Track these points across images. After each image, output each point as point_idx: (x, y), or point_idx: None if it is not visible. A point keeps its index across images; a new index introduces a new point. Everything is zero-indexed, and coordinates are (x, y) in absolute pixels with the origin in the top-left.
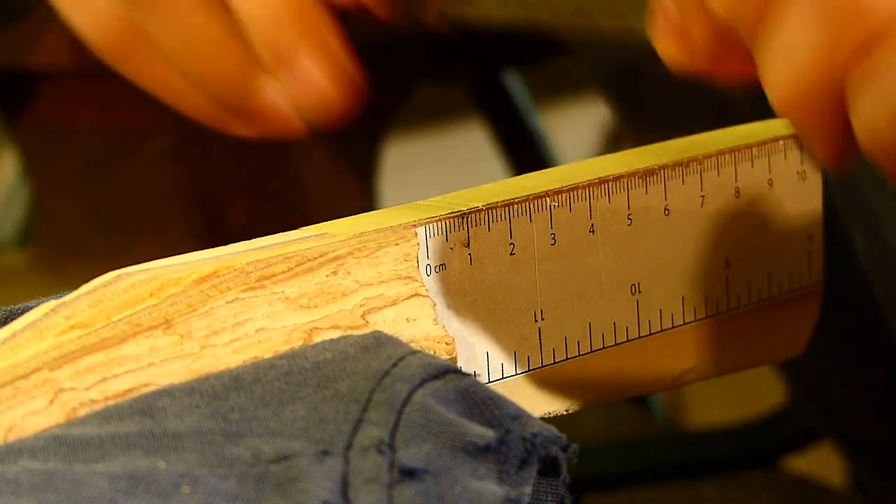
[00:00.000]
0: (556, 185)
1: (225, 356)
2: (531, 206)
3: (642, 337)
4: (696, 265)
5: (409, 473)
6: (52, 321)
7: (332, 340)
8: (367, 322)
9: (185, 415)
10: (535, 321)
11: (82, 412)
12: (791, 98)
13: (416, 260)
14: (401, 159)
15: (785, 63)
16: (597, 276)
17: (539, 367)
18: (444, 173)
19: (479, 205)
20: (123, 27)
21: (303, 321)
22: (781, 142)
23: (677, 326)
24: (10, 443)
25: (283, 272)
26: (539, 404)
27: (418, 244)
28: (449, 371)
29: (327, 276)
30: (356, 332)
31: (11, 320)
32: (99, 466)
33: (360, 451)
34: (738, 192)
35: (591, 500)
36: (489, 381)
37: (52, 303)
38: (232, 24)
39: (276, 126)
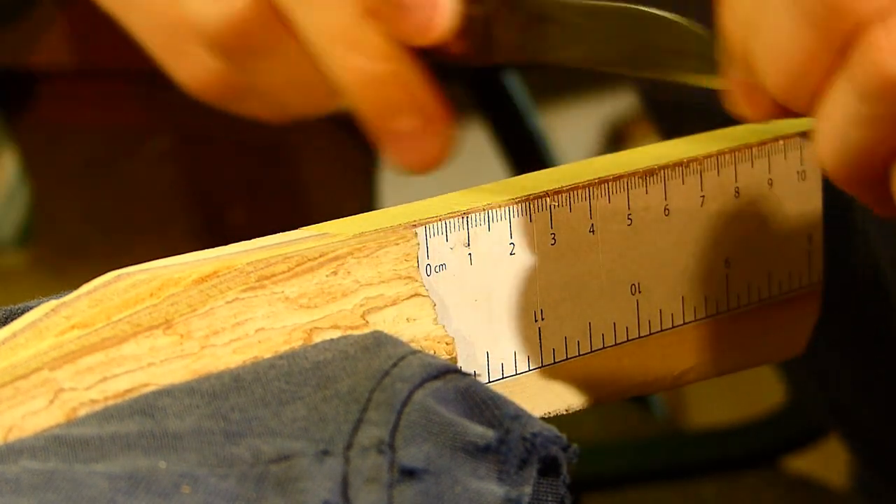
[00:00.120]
0: (556, 185)
1: (225, 356)
2: (531, 206)
3: (642, 337)
4: (696, 265)
5: (409, 473)
6: (52, 321)
7: (332, 340)
8: (367, 322)
9: (185, 415)
10: (535, 321)
11: (82, 412)
12: (838, 170)
13: (416, 260)
14: None
15: (833, 143)
16: (597, 276)
17: (539, 367)
18: (444, 173)
19: (479, 205)
20: (227, 78)
21: (303, 321)
22: (781, 142)
23: (677, 326)
24: (11, 443)
25: (283, 272)
26: (539, 404)
27: (418, 244)
28: (449, 371)
29: (327, 276)
30: (356, 332)
31: (11, 320)
32: (99, 466)
33: (361, 451)
34: (738, 192)
35: (591, 500)
36: (489, 381)
37: (52, 303)
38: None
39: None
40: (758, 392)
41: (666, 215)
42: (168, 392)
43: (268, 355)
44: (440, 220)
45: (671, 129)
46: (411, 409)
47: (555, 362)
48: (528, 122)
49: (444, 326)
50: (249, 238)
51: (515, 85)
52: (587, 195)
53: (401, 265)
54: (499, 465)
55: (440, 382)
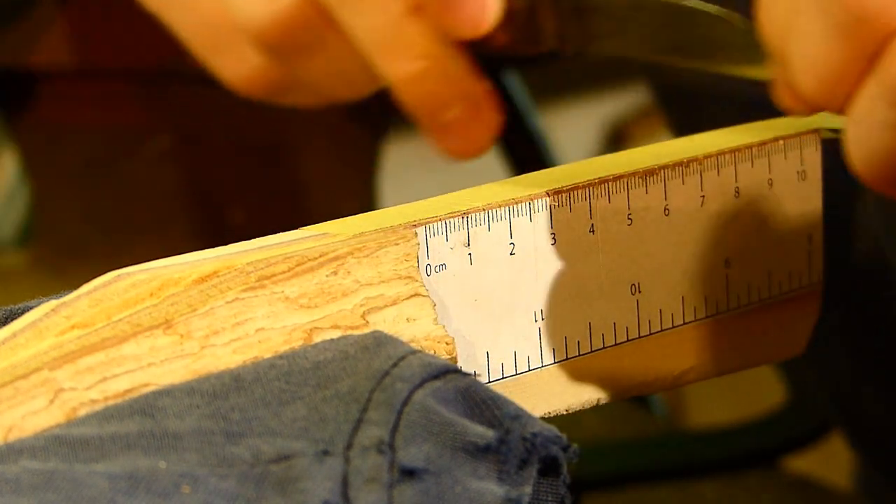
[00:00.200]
0: (556, 185)
1: (225, 356)
2: (531, 206)
3: (642, 337)
4: (696, 265)
5: (409, 473)
6: (52, 321)
7: (332, 340)
8: (367, 322)
9: (186, 415)
10: (535, 321)
11: (82, 412)
12: (869, 172)
13: (416, 260)
14: (401, 159)
15: (864, 146)
16: (597, 276)
17: (539, 367)
18: (444, 173)
19: (479, 205)
20: (271, 74)
21: (303, 321)
22: (781, 142)
23: (677, 326)
24: (11, 443)
25: (283, 272)
26: (539, 404)
27: (418, 244)
28: (449, 371)
29: (327, 275)
30: (356, 332)
31: (11, 320)
32: (99, 466)
33: (361, 451)
34: (738, 192)
35: (591, 500)
36: (489, 381)
37: (52, 303)
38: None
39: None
40: (758, 392)
41: (666, 215)
42: (168, 392)
43: (268, 355)
44: (440, 220)
45: (683, 119)
46: (411, 409)
47: (555, 362)
48: (528, 122)
49: (444, 326)
50: (249, 238)
51: (515, 85)
52: (587, 195)
53: (401, 265)
54: (499, 465)
55: (440, 382)
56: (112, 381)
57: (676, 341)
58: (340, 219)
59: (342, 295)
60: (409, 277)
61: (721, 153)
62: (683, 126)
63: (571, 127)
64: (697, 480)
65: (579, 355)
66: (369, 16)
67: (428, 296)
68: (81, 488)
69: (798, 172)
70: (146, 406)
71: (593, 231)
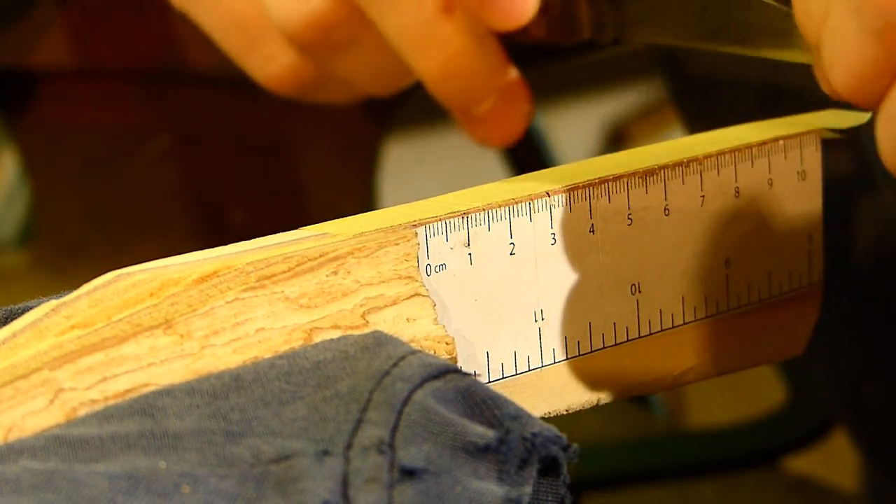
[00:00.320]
0: (556, 185)
1: (225, 356)
2: (531, 206)
3: (642, 337)
4: (696, 265)
5: (409, 473)
6: (52, 321)
7: (332, 340)
8: (368, 322)
9: (186, 415)
10: (535, 321)
11: (82, 412)
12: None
13: (416, 260)
14: (401, 159)
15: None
16: (597, 276)
17: (539, 367)
18: (444, 173)
19: (479, 205)
20: (304, 72)
21: (303, 321)
22: (781, 142)
23: (677, 326)
24: (11, 443)
25: (283, 272)
26: (539, 404)
27: (418, 244)
28: (449, 371)
29: (327, 275)
30: (356, 332)
31: (11, 320)
32: (99, 466)
33: (361, 451)
34: (738, 192)
35: (591, 500)
36: (489, 381)
37: (52, 303)
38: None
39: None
40: (758, 392)
41: (666, 215)
42: (168, 392)
43: (268, 355)
44: (440, 220)
45: (697, 108)
46: (411, 409)
47: (555, 362)
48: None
49: (444, 326)
50: (249, 238)
51: None
52: (587, 195)
53: (401, 265)
54: (499, 465)
55: (440, 382)
56: (112, 381)
57: (676, 341)
58: (340, 219)
59: (342, 295)
60: (409, 277)
61: (721, 153)
62: (698, 115)
63: (571, 127)
64: (697, 480)
65: (579, 355)
66: (402, 13)
67: (428, 296)
68: (81, 488)
69: (798, 172)
70: (146, 406)
71: (593, 231)
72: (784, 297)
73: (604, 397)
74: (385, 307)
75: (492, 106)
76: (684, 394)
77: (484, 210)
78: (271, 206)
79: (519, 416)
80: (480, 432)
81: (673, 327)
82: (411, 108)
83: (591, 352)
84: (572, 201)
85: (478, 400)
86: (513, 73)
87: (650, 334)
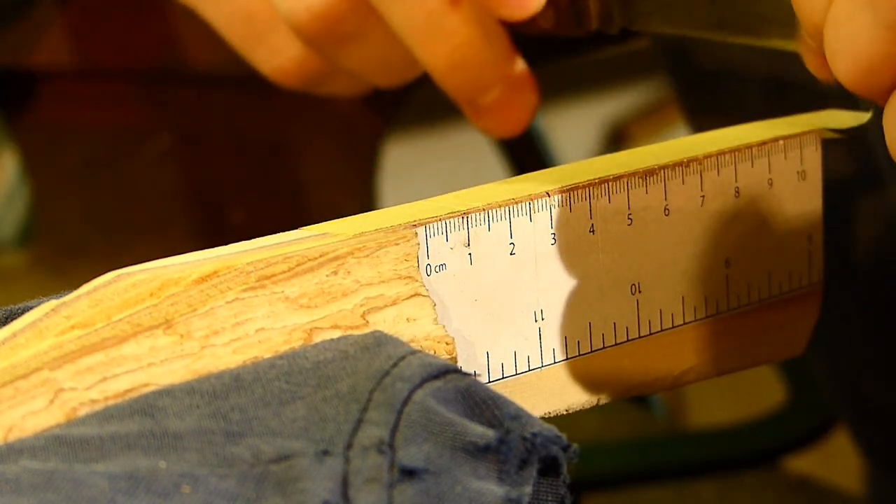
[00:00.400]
0: (556, 185)
1: (225, 356)
2: (531, 206)
3: (642, 337)
4: (696, 265)
5: (409, 473)
6: (52, 321)
7: (332, 340)
8: (368, 322)
9: (186, 415)
10: (535, 321)
11: (82, 412)
12: None
13: (416, 260)
14: (401, 159)
15: None
16: (597, 276)
17: (539, 367)
18: (444, 173)
19: (479, 205)
20: (311, 65)
21: (303, 321)
22: (781, 142)
23: (677, 326)
24: (11, 443)
25: (283, 272)
26: (539, 404)
27: (418, 244)
28: (449, 371)
29: (327, 275)
30: (356, 332)
31: (11, 320)
32: (99, 466)
33: (361, 451)
34: (738, 192)
35: (591, 500)
36: (489, 381)
37: (52, 303)
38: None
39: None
40: (758, 392)
41: (666, 215)
42: (168, 392)
43: (268, 355)
44: (440, 220)
45: (703, 102)
46: (411, 409)
47: (555, 362)
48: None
49: (444, 326)
50: (249, 238)
51: None
52: (587, 195)
53: (401, 265)
54: (499, 465)
55: (440, 382)
56: (112, 381)
57: (676, 341)
58: (340, 219)
59: (342, 295)
60: (409, 277)
61: (721, 153)
62: (703, 109)
63: (571, 127)
64: (697, 480)
65: (579, 355)
66: (409, 4)
67: (428, 296)
68: (81, 488)
69: (798, 172)
70: (146, 406)
71: (593, 231)
72: (784, 297)
73: (604, 397)
74: (385, 307)
75: (498, 96)
76: (684, 394)
77: (484, 210)
78: (271, 206)
79: (519, 416)
80: (480, 432)
81: (673, 327)
82: (412, 107)
83: (591, 352)
84: (572, 201)
85: (478, 400)
86: (520, 63)
87: (650, 334)
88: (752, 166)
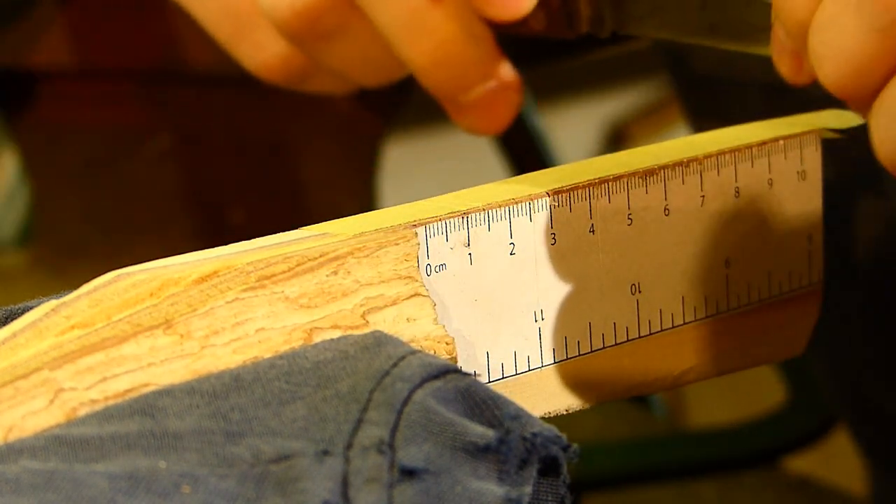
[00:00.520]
0: (556, 185)
1: (225, 356)
2: (531, 206)
3: (642, 337)
4: (696, 265)
5: (409, 473)
6: (53, 321)
7: (332, 340)
8: (368, 322)
9: (186, 415)
10: (535, 321)
11: (82, 412)
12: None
13: (416, 260)
14: (401, 159)
15: (894, 130)
16: (597, 276)
17: (539, 367)
18: (444, 173)
19: (479, 205)
20: (295, 61)
21: (303, 321)
22: (781, 142)
23: (677, 326)
24: (11, 443)
25: (283, 272)
26: (539, 404)
27: (418, 244)
28: (449, 371)
29: (327, 275)
30: (356, 332)
31: (11, 320)
32: (99, 466)
33: (361, 451)
34: (738, 192)
35: (591, 500)
36: (489, 381)
37: (53, 303)
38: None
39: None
40: (758, 392)
41: (666, 215)
42: (168, 392)
43: (268, 355)
44: (440, 220)
45: (705, 106)
46: (411, 409)
47: (555, 362)
48: (528, 122)
49: (444, 326)
50: (249, 238)
51: None
52: (587, 195)
53: (401, 265)
54: (499, 465)
55: (440, 382)
56: (112, 381)
57: (676, 341)
58: (340, 219)
59: (342, 295)
60: (409, 277)
61: (721, 153)
62: (704, 113)
63: (571, 127)
64: (697, 480)
65: (579, 355)
66: (391, 1)
67: (428, 296)
68: (81, 488)
69: (798, 172)
70: (146, 406)
71: (593, 231)
72: (784, 297)
73: (604, 397)
74: (385, 307)
75: (481, 95)
76: (684, 394)
77: (484, 210)
78: (271, 206)
79: (519, 416)
80: (480, 432)
81: (673, 327)
82: (412, 107)
83: (591, 352)
84: (572, 201)
85: (478, 400)
86: (503, 63)
87: (650, 334)
88: (752, 166)
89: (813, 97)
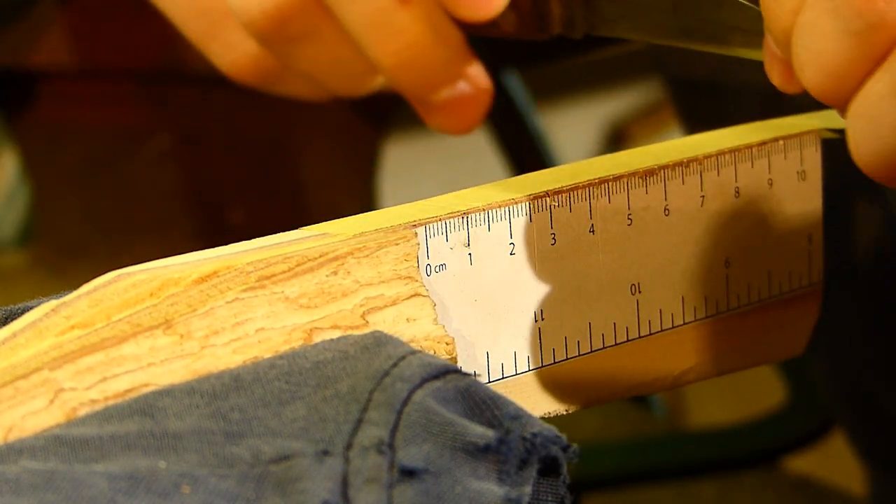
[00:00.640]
0: (556, 185)
1: (225, 356)
2: (531, 206)
3: (642, 337)
4: (696, 265)
5: (409, 473)
6: (53, 321)
7: (332, 340)
8: (367, 322)
9: (186, 415)
10: (535, 321)
11: (82, 412)
12: (874, 161)
13: (416, 260)
14: (401, 159)
15: (868, 141)
16: (597, 276)
17: (539, 367)
18: (444, 173)
19: (479, 205)
20: (266, 62)
21: (303, 321)
22: (781, 142)
23: (677, 326)
24: (11, 443)
25: (283, 272)
26: (539, 404)
27: (418, 244)
28: (449, 371)
29: (327, 276)
30: (356, 332)
31: (11, 320)
32: (99, 466)
33: (361, 451)
34: (738, 192)
35: (591, 500)
36: (489, 381)
37: (52, 303)
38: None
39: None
40: (758, 392)
41: (666, 215)
42: (168, 392)
43: (268, 355)
44: (440, 220)
45: (698, 110)
46: (411, 409)
47: (555, 362)
48: (528, 122)
49: (444, 326)
50: (249, 238)
51: (515, 85)
52: (587, 195)
53: (401, 265)
54: (499, 465)
55: (440, 382)
56: (112, 381)
57: (676, 341)
58: (340, 219)
59: (342, 295)
60: (409, 277)
61: (721, 153)
62: (700, 119)
63: (571, 127)
64: (697, 480)
65: (579, 355)
66: (359, 1)
67: (428, 296)
68: (81, 488)
69: (798, 172)
70: (146, 406)
71: (593, 231)
72: (784, 297)
73: (604, 397)
74: (385, 307)
75: (450, 95)
76: (684, 394)
77: (484, 210)
78: (271, 206)
79: (519, 416)
80: (480, 432)
81: (673, 327)
82: (411, 108)
83: (591, 352)
84: (572, 201)
85: (478, 400)
86: (473, 63)
87: (650, 334)
88: (752, 166)
89: (811, 105)
